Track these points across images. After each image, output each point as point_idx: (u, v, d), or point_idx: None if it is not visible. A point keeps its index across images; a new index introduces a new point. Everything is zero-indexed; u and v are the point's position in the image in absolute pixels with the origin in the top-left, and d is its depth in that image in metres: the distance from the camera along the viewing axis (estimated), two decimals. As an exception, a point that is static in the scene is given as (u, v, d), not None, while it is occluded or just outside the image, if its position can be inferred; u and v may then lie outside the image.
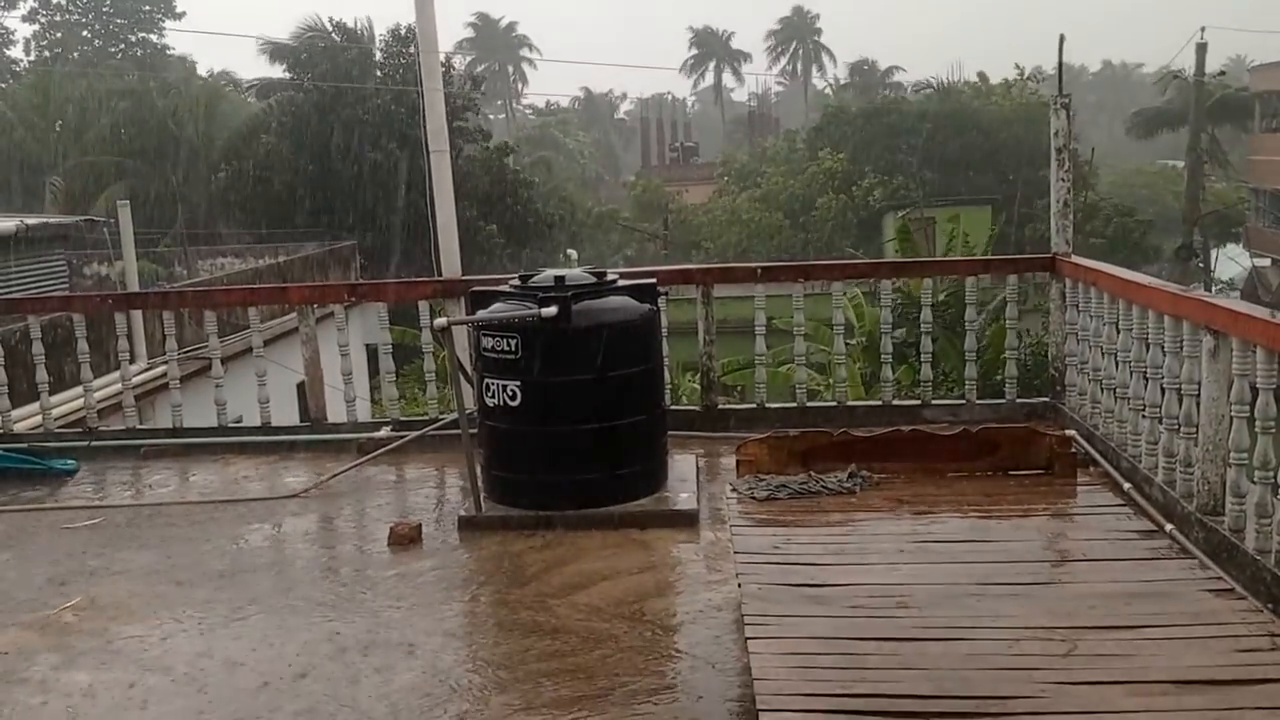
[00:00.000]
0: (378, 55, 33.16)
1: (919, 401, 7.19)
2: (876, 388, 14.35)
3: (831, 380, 14.91)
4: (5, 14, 47.43)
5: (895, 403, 7.23)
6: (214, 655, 4.13)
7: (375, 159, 30.88)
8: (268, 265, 19.60)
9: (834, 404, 7.33)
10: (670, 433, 6.08)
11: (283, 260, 20.25)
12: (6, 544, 5.65)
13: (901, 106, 45.24)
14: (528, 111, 78.50)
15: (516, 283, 5.82)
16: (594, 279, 5.81)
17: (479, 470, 5.63)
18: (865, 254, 27.89)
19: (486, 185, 31.73)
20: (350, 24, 34.21)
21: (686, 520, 5.35)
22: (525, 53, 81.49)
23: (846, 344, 7.80)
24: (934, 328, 7.56)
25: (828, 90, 73.25)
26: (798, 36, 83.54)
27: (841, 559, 3.66)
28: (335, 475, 6.46)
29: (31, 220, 13.23)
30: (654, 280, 6.13)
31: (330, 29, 33.59)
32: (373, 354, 13.49)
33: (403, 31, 33.97)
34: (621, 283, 5.88)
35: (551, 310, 5.36)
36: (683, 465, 5.99)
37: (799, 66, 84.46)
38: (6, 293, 11.74)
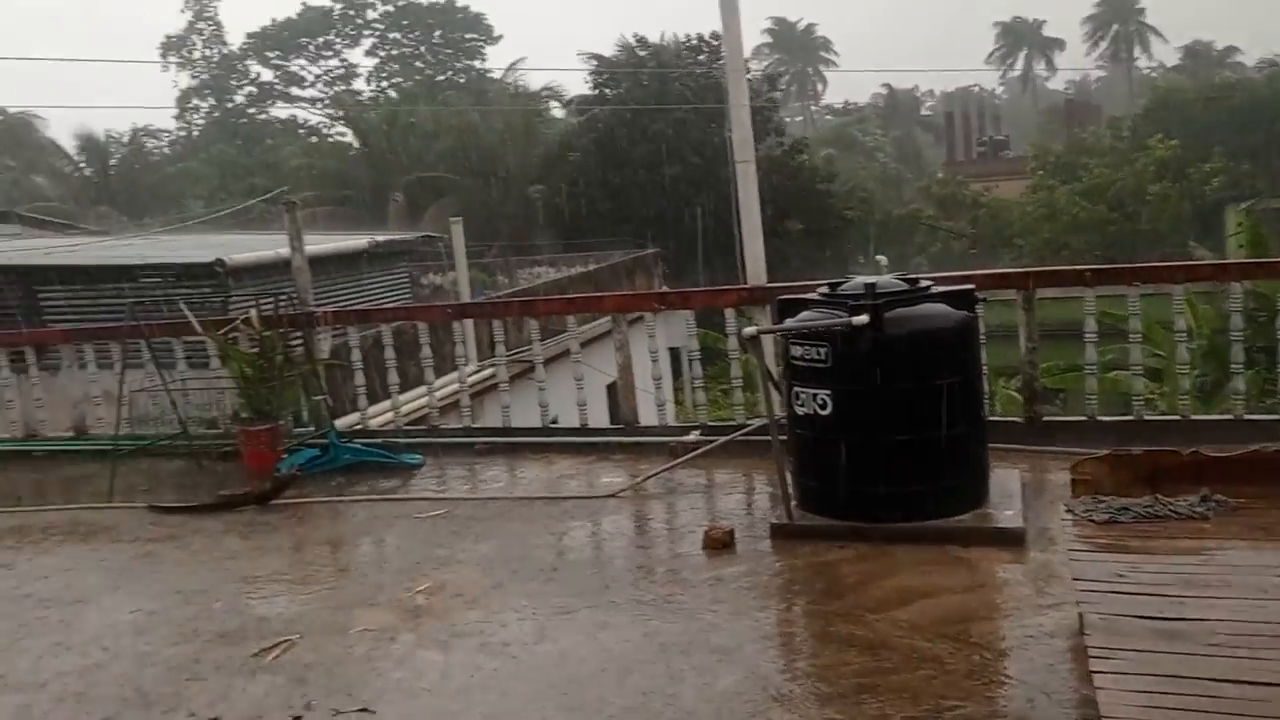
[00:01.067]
0: (676, 70, 34.12)
1: (1277, 416, 6.48)
2: (1219, 398, 13.10)
3: (1166, 389, 13.79)
4: (350, 49, 52.85)
5: (1248, 417, 6.55)
6: (547, 645, 4.40)
7: (674, 170, 31.80)
8: (579, 273, 20.65)
9: (1175, 417, 6.75)
10: (990, 445, 5.84)
11: (592, 269, 21.25)
12: (368, 530, 6.32)
13: (1246, 87, 40.89)
14: (825, 114, 77.80)
15: (825, 290, 5.78)
16: (906, 285, 5.68)
17: (789, 478, 5.65)
18: (1205, 249, 25.45)
19: (783, 185, 31.76)
20: (654, 39, 35.39)
21: (1012, 539, 5.11)
22: (824, 54, 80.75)
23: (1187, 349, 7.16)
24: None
25: (1154, 74, 67.53)
26: (1118, 19, 77.58)
27: (1196, 592, 3.36)
28: (649, 477, 6.70)
29: (380, 237, 14.70)
30: (971, 286, 5.90)
31: (634, 44, 34.93)
32: (674, 357, 13.95)
33: (695, 42, 34.73)
34: (936, 289, 5.71)
35: (863, 319, 5.29)
36: (1006, 480, 5.73)
37: (1120, 50, 78.41)
38: (360, 301, 13.11)
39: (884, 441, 5.38)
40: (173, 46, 49.97)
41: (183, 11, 50.36)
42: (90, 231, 23.15)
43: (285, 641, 4.58)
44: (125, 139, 45.11)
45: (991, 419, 6.39)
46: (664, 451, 7.24)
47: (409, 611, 4.87)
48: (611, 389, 13.99)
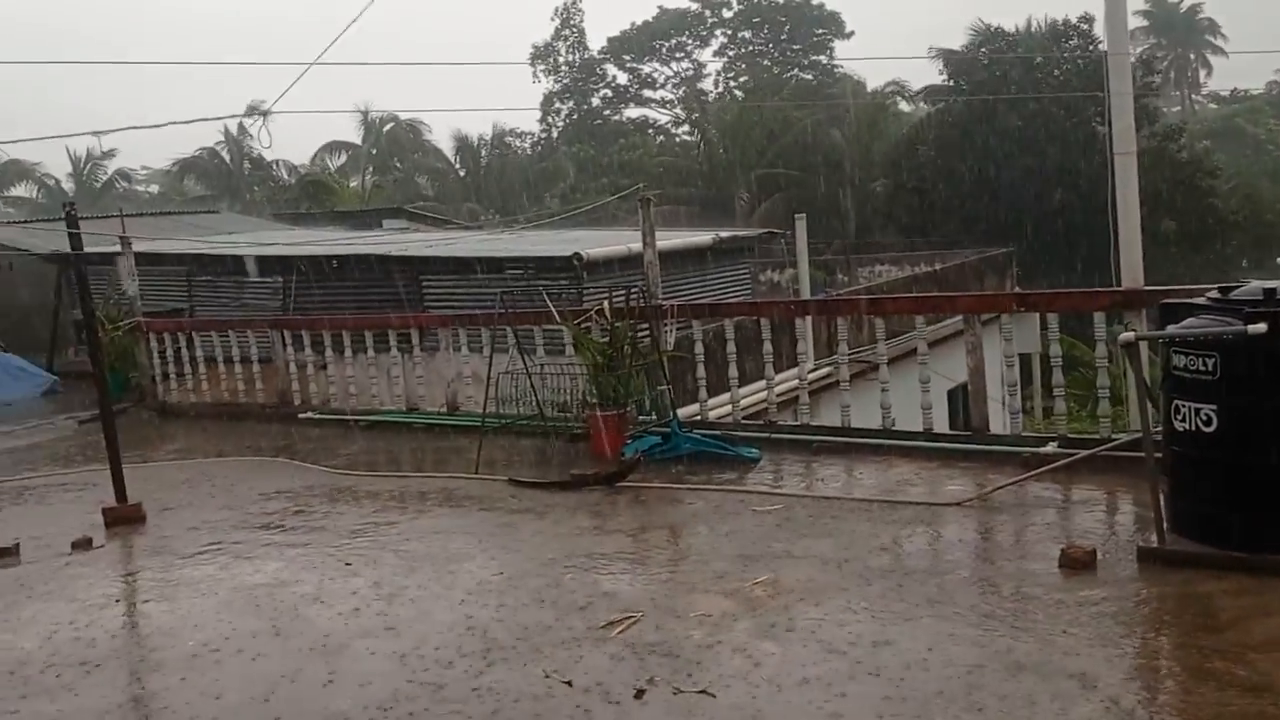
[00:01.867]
0: (1038, 57, 32.16)
1: None
2: None
3: None
4: (700, 50, 54.35)
5: None
6: (888, 649, 4.30)
7: (1029, 164, 30.00)
8: (923, 272, 20.03)
9: None
10: None
11: (938, 268, 20.55)
12: (706, 518, 6.47)
13: None
14: (1208, 102, 70.40)
15: (1215, 295, 5.24)
16: (1314, 293, 5.01)
17: (1162, 499, 5.17)
18: None
19: (1156, 180, 29.10)
20: (1010, 26, 33.62)
21: None
22: (1209, 38, 73.07)
23: None
24: None
25: None
26: None
27: None
28: (999, 488, 6.38)
29: (724, 233, 15.04)
30: (1397, 295, 5.10)
31: (991, 31, 33.35)
32: (1025, 364, 13.20)
33: (1060, 26, 32.52)
34: (1352, 297, 4.99)
35: (1260, 327, 4.73)
36: None
37: None
38: (703, 296, 13.47)
39: (1276, 465, 4.79)
40: (540, 55, 53.73)
41: (552, 20, 53.99)
42: (464, 226, 25.44)
43: (630, 617, 4.79)
44: (495, 140, 49.26)
45: None
46: (1015, 462, 6.87)
47: (746, 602, 4.93)
48: (953, 394, 13.52)
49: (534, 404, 8.94)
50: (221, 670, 4.58)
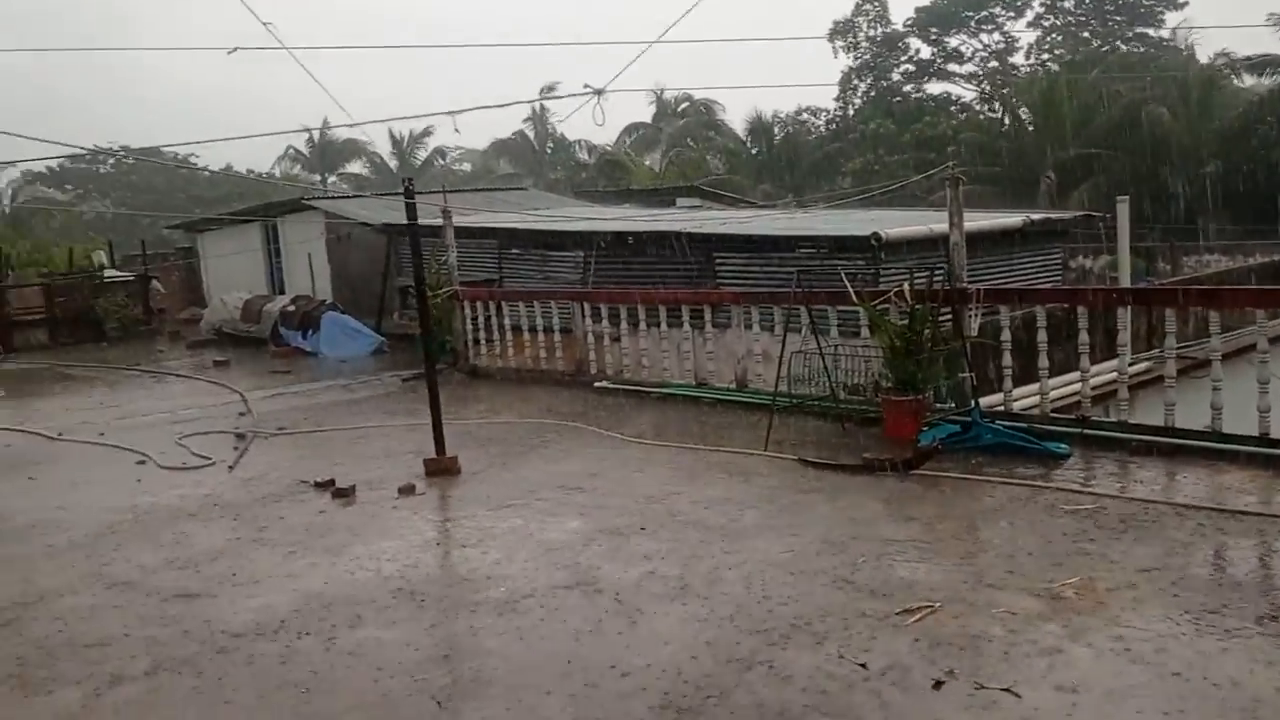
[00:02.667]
0: None
1: None
2: None
3: None
4: (1014, 21, 51.41)
5: None
6: (1211, 669, 3.97)
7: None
8: (1260, 264, 18.10)
9: None
10: None
11: (1277, 259, 18.50)
12: (1007, 513, 6.19)
13: None
14: None
15: None
16: None
17: None
18: None
19: None
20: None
21: None
22: None
23: None
24: None
25: None
26: None
27: None
28: (1351, 504, 5.70)
29: (1035, 215, 14.22)
30: None
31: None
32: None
33: None
34: None
35: None
36: None
37: None
38: (1010, 281, 12.85)
39: None
40: (839, 31, 52.84)
41: None
42: (757, 205, 25.56)
43: (927, 607, 4.69)
44: (787, 119, 49.09)
45: None
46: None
47: (1053, 602, 4.70)
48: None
49: (826, 385, 8.87)
50: (527, 618, 4.91)
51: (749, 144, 48.37)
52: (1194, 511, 5.92)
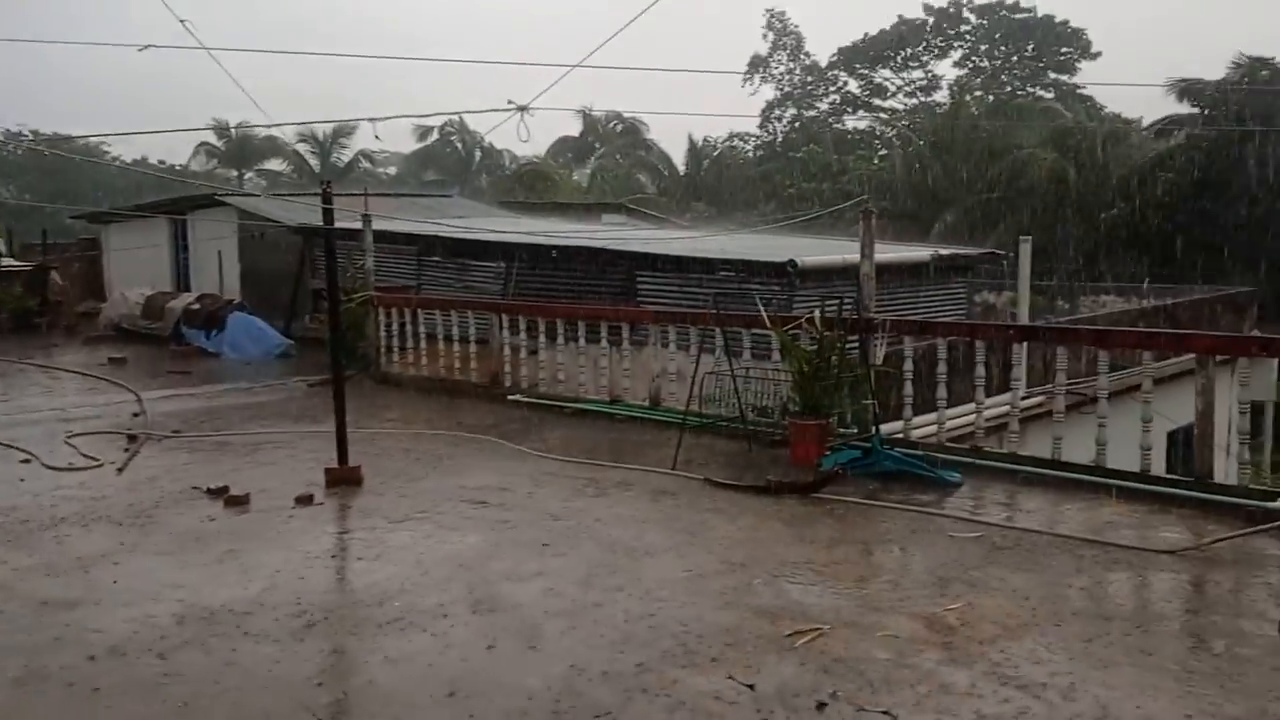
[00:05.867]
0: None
1: None
2: None
3: None
4: (939, 61, 52.97)
5: None
6: (1083, 697, 4.14)
7: (1281, 201, 27.78)
8: (1152, 306, 18.88)
9: None
10: None
11: (1169, 303, 19.32)
12: (900, 539, 6.39)
13: None
14: None
15: None
16: None
17: None
18: None
19: None
20: (1273, 59, 31.15)
21: None
22: None
23: None
24: None
25: None
26: None
27: None
28: (1220, 540, 6.02)
29: (943, 250, 14.65)
30: None
31: (1247, 65, 31.00)
32: (1257, 413, 12.26)
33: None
34: None
35: None
36: None
37: None
38: (916, 313, 13.20)
39: None
40: (757, 65, 53.97)
41: (764, 36, 54.13)
42: (681, 225, 25.78)
43: (816, 629, 4.81)
44: (717, 143, 49.79)
45: None
46: (1239, 515, 6.47)
47: (937, 628, 4.86)
48: (1174, 436, 12.71)
49: (736, 406, 9.03)
50: (420, 635, 4.89)
51: (679, 165, 48.90)
52: (1074, 542, 6.17)
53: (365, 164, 55.28)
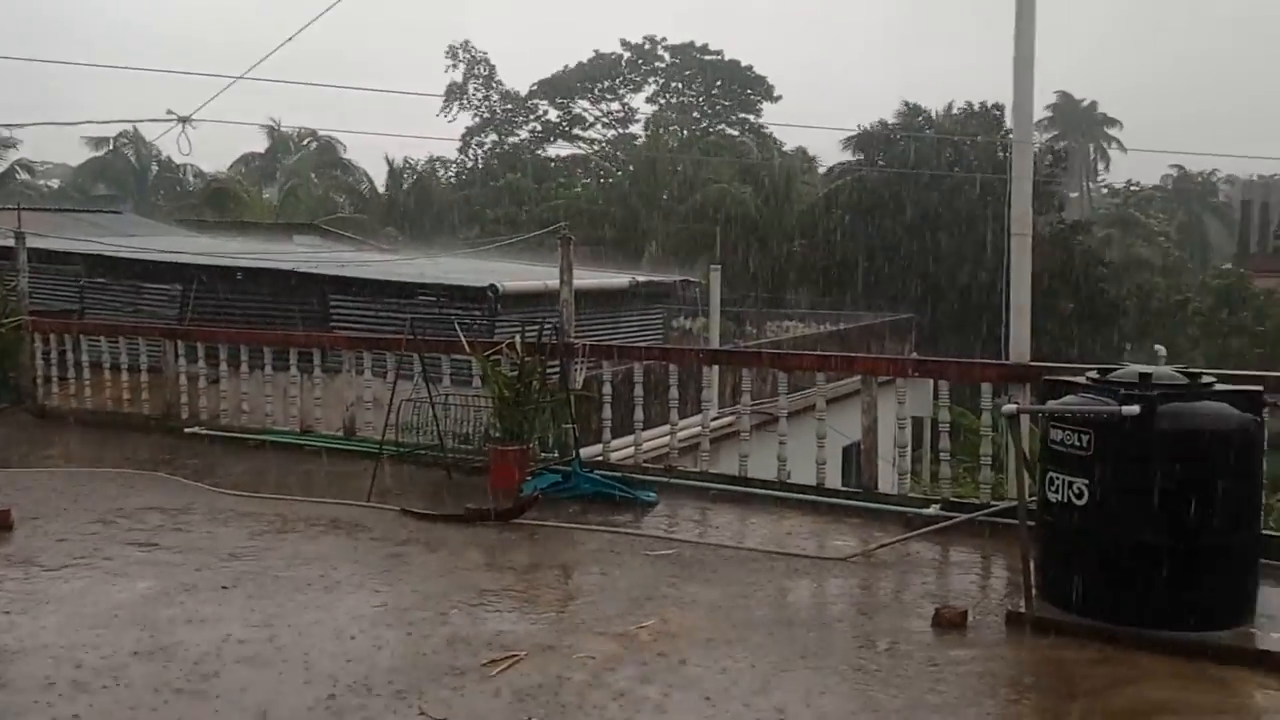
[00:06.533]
0: (949, 139, 33.46)
1: None
2: None
3: None
4: (634, 94, 55.23)
5: None
6: (764, 700, 4.36)
7: (939, 239, 31.15)
8: (829, 332, 20.50)
9: None
10: (1262, 562, 5.34)
11: (843, 328, 21.06)
12: (599, 560, 6.49)
13: None
14: (1104, 192, 73.71)
15: (1095, 375, 5.51)
16: (1185, 379, 5.32)
17: (1032, 566, 5.38)
18: None
19: (1058, 264, 30.47)
20: (923, 106, 34.92)
21: (1276, 664, 4.65)
22: (1109, 131, 76.67)
23: None
24: None
25: None
26: None
27: None
28: (882, 545, 6.55)
29: (641, 277, 15.19)
30: (1260, 388, 5.44)
31: (906, 113, 34.59)
32: (917, 427, 13.58)
33: (977, 109, 33.89)
34: (1219, 387, 5.31)
35: (1134, 409, 4.99)
36: (1275, 601, 5.23)
37: None
38: (615, 338, 13.56)
39: (1143, 542, 5.03)
40: (454, 94, 54.19)
41: (453, 66, 54.45)
42: (380, 248, 25.17)
43: (512, 656, 4.78)
44: (419, 166, 49.15)
45: (1266, 533, 5.85)
46: (900, 521, 7.07)
47: (632, 645, 4.97)
48: (849, 451, 13.79)
49: (435, 434, 8.87)
50: (83, 694, 4.42)
51: (379, 187, 47.80)
52: (759, 555, 6.52)
53: (23, 175, 50.07)
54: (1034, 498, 5.47)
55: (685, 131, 46.18)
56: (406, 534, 7.05)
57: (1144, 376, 5.24)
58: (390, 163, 46.58)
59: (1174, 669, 4.66)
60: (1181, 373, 5.43)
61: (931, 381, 7.75)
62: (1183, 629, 4.92)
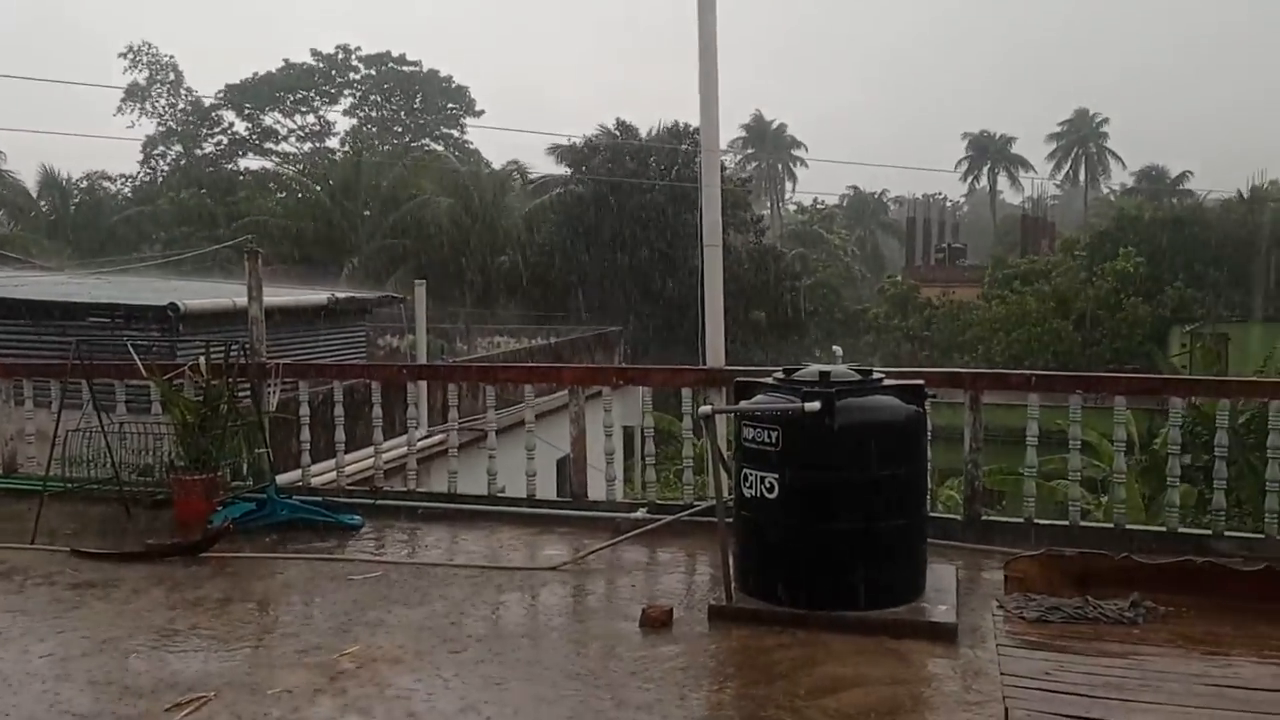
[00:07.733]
0: (653, 156, 34.83)
1: (1209, 532, 6.58)
2: (1155, 512, 13.30)
3: (1105, 500, 13.97)
4: (330, 107, 53.36)
5: (1181, 530, 6.66)
6: (478, 715, 4.29)
7: (644, 252, 32.29)
8: (540, 345, 20.67)
9: (1110, 526, 6.84)
10: (930, 541, 5.87)
11: (554, 341, 21.31)
12: (299, 589, 6.16)
13: (1202, 216, 42.49)
14: (793, 209, 79.37)
15: (780, 375, 5.85)
16: (859, 376, 5.76)
17: (732, 560, 5.63)
18: (1140, 367, 26.15)
19: (752, 277, 32.42)
20: (631, 123, 36.09)
21: (944, 634, 5.11)
22: (796, 152, 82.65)
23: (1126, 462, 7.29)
24: (1231, 452, 6.95)
25: (1110, 195, 69.85)
26: (1079, 142, 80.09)
27: (1121, 695, 3.38)
28: (592, 552, 6.64)
29: (341, 294, 14.64)
30: (921, 382, 5.98)
31: (614, 130, 35.61)
32: (629, 435, 13.96)
33: (680, 128, 35.48)
34: (888, 382, 5.79)
35: (815, 405, 5.34)
36: (941, 575, 5.75)
37: (1080, 170, 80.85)
38: (315, 357, 12.97)
39: (826, 529, 5.40)
40: (135, 96, 50.25)
41: (131, 67, 50.68)
42: (42, 268, 22.83)
43: (200, 698, 4.43)
44: (82, 181, 44.86)
45: (932, 515, 6.44)
46: (609, 527, 7.19)
47: (333, 675, 4.74)
48: (562, 463, 13.94)
49: (110, 466, 8.10)
50: None
51: (40, 202, 43.33)
52: (471, 570, 6.43)
53: None
54: (733, 495, 5.73)
55: (386, 146, 45.22)
56: (78, 576, 6.38)
57: (824, 375, 5.62)
58: (51, 173, 42.21)
59: (858, 646, 5.00)
60: (856, 370, 5.88)
61: (639, 389, 7.96)
62: (867, 608, 5.30)
